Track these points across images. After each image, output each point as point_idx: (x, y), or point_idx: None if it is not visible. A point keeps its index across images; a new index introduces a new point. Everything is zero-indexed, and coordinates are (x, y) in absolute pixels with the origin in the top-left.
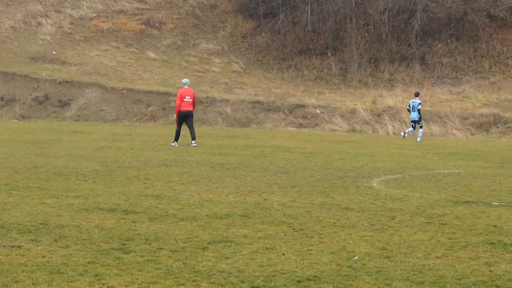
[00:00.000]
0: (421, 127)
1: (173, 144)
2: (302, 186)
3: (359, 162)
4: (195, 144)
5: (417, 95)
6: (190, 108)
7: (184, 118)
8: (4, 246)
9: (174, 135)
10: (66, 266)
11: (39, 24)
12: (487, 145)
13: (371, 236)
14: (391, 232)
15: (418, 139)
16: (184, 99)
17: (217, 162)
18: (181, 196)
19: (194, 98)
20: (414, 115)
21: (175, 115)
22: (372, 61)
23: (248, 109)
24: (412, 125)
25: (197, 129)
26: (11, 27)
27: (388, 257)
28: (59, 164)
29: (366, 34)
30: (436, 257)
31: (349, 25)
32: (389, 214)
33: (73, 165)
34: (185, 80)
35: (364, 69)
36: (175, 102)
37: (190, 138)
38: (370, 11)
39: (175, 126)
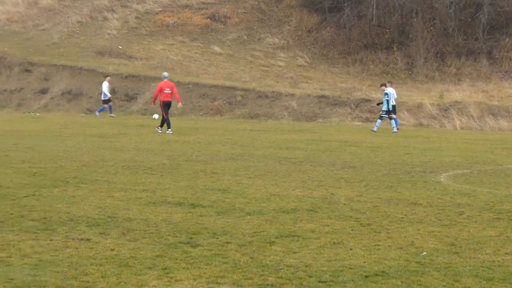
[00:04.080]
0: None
1: (168, 132)
2: (369, 180)
3: (426, 157)
4: (160, 131)
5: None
6: (170, 99)
7: (168, 106)
8: (73, 239)
9: (166, 125)
10: (134, 259)
11: (105, 18)
12: None
13: (439, 232)
14: (459, 227)
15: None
16: (164, 91)
17: (283, 156)
18: (248, 190)
19: (173, 89)
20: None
21: (153, 103)
22: (439, 55)
23: (314, 103)
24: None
25: (263, 123)
26: (78, 22)
27: (457, 253)
28: (127, 157)
29: (432, 28)
30: (506, 253)
31: (415, 19)
32: (458, 209)
33: (141, 159)
34: (165, 74)
35: (430, 63)
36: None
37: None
38: (436, 5)
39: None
